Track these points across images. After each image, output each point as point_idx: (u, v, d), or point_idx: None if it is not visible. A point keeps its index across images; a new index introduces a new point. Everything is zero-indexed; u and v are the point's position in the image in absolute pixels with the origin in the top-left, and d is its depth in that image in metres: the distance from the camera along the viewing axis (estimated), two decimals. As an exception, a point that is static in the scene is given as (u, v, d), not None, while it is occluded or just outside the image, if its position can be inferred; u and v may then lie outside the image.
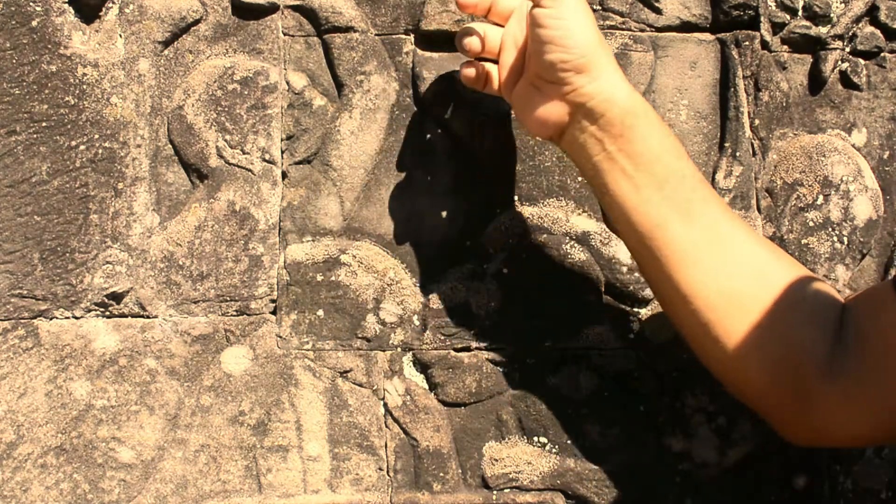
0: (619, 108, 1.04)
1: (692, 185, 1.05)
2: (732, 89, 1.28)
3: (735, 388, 1.10)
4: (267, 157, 1.25)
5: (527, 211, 1.26)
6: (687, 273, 1.04)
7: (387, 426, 1.25)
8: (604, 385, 1.26)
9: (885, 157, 1.30)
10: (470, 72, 1.13)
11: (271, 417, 1.24)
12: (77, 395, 1.22)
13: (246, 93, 1.25)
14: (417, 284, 1.26)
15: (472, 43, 1.11)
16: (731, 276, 1.03)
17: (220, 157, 1.25)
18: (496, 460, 1.26)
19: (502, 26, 1.13)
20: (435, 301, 1.25)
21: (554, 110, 1.06)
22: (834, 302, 1.05)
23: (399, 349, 1.25)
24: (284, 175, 1.26)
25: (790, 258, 1.12)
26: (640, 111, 1.05)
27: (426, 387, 1.26)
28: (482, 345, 1.26)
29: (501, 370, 1.26)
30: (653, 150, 1.04)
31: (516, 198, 1.27)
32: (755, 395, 1.07)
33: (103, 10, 1.23)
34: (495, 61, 1.14)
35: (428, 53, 1.28)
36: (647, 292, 1.25)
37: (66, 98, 1.22)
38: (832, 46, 1.29)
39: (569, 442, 1.26)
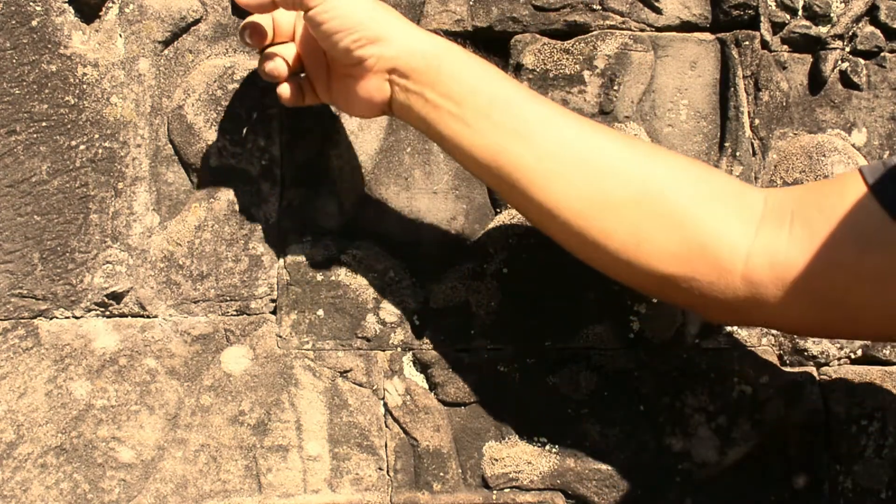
0: (422, 56, 1.06)
1: (520, 103, 1.06)
2: (732, 89, 1.28)
3: (637, 284, 1.10)
4: (267, 156, 1.25)
5: (527, 211, 1.26)
6: (543, 190, 1.04)
7: (387, 426, 1.25)
8: (604, 385, 1.26)
9: (885, 156, 1.30)
10: (285, 91, 1.13)
11: (271, 417, 1.24)
12: (77, 394, 1.22)
13: (246, 92, 1.25)
14: (417, 284, 1.26)
15: (257, 33, 1.11)
16: (591, 180, 1.03)
17: (220, 156, 1.25)
18: (496, 460, 1.26)
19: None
20: (435, 301, 1.25)
21: (372, 86, 1.08)
22: (751, 192, 1.06)
23: (399, 349, 1.25)
24: (284, 175, 1.26)
25: (672, 153, 1.13)
26: (443, 51, 1.07)
27: (426, 387, 1.26)
28: (482, 345, 1.26)
29: (501, 370, 1.26)
30: (468, 83, 1.06)
31: (516, 197, 1.27)
32: (660, 287, 1.07)
33: (103, 9, 1.23)
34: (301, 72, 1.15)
35: (428, 53, 1.28)
36: (647, 292, 1.25)
37: (66, 98, 1.22)
38: (832, 46, 1.29)
39: (569, 442, 1.26)
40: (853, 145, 1.30)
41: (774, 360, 1.27)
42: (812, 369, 1.27)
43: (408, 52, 1.06)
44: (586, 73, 1.27)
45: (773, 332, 1.27)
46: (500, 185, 1.09)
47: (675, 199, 1.02)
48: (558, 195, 1.04)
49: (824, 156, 1.28)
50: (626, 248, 1.03)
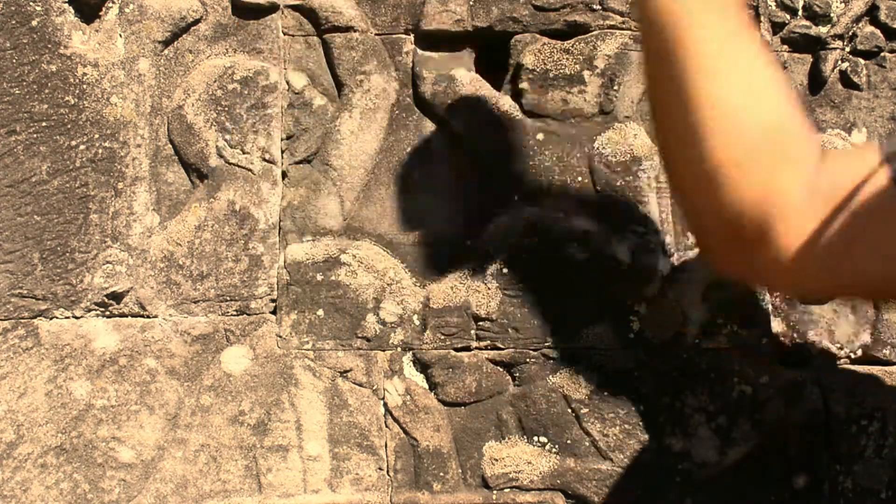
0: None
1: None
2: (732, 89, 1.28)
3: (699, 210, 1.05)
4: (267, 156, 1.25)
5: (527, 211, 1.26)
6: (709, 72, 1.00)
7: (387, 426, 1.25)
8: (604, 385, 1.26)
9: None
10: None
11: (271, 417, 1.24)
12: (77, 394, 1.22)
13: (246, 92, 1.25)
14: (417, 284, 1.26)
15: None
16: (745, 86, 1.01)
17: (220, 156, 1.25)
18: (496, 460, 1.25)
19: None
20: (435, 301, 1.25)
21: None
22: (816, 148, 1.05)
23: (399, 349, 1.25)
24: (284, 175, 1.26)
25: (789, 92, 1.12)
26: None
27: (426, 386, 1.26)
28: (482, 345, 1.26)
29: (501, 370, 1.26)
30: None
31: (516, 198, 1.27)
32: (718, 223, 1.02)
33: (103, 9, 1.23)
34: None
35: (428, 53, 1.28)
36: (647, 292, 1.25)
37: (66, 98, 1.22)
38: (832, 46, 1.29)
39: (569, 442, 1.26)
40: (853, 145, 1.30)
41: (774, 360, 1.27)
42: (812, 369, 1.27)
43: None
44: (586, 73, 1.27)
45: (773, 332, 1.27)
46: (673, 53, 1.02)
47: (791, 143, 1.01)
48: (721, 84, 0.99)
49: (824, 156, 1.28)
50: (732, 166, 0.97)
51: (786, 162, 1.01)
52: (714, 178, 1.01)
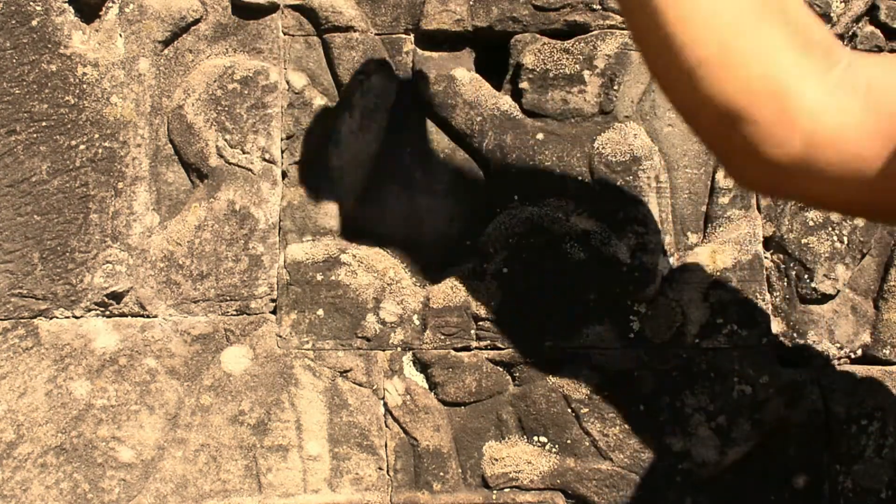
0: None
1: None
2: (732, 89, 1.28)
3: (698, 111, 1.02)
4: (267, 156, 1.25)
5: (527, 211, 1.26)
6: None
7: (387, 426, 1.25)
8: (604, 385, 1.26)
9: (886, 156, 1.30)
10: None
11: (271, 417, 1.24)
12: (77, 394, 1.22)
13: (246, 92, 1.25)
14: (417, 284, 1.26)
15: None
16: None
17: (220, 156, 1.25)
18: (496, 460, 1.25)
19: None
20: (435, 301, 1.25)
21: None
22: (828, 37, 1.01)
23: (399, 349, 1.25)
24: (284, 175, 1.26)
25: None
26: None
27: (426, 386, 1.26)
28: (482, 345, 1.26)
29: (501, 370, 1.26)
30: None
31: (516, 198, 1.27)
32: (719, 120, 0.99)
33: (103, 9, 1.23)
34: None
35: (428, 53, 1.28)
36: (647, 292, 1.25)
37: (66, 97, 1.22)
38: (832, 46, 1.29)
39: (569, 442, 1.26)
40: None
41: (774, 359, 1.27)
42: (812, 369, 1.27)
43: None
44: (586, 73, 1.27)
45: (773, 331, 1.27)
46: None
47: (779, 32, 0.97)
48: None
49: (824, 156, 1.28)
50: (706, 64, 0.96)
51: (779, 57, 0.95)
52: (691, 78, 0.97)
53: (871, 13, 1.29)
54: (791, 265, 1.28)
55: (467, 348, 1.26)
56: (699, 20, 0.97)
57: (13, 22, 1.21)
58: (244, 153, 1.25)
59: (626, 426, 1.26)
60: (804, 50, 0.97)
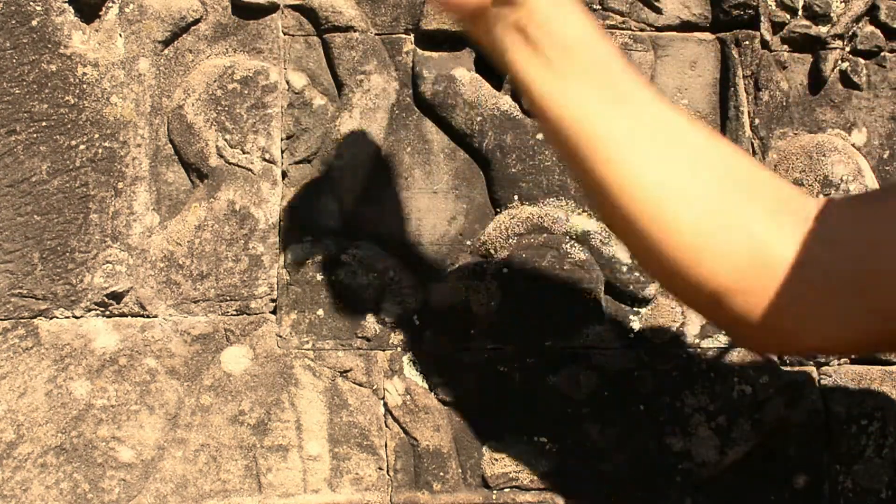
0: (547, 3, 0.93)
1: (619, 68, 0.95)
2: (732, 89, 1.28)
3: (686, 292, 0.99)
4: (267, 156, 1.25)
5: (527, 211, 1.26)
6: (626, 165, 0.93)
7: (387, 426, 1.25)
8: (604, 385, 1.26)
9: (885, 156, 1.30)
10: None
11: (271, 417, 1.24)
12: (77, 394, 1.22)
13: (246, 92, 1.25)
14: (417, 284, 1.26)
15: None
16: (670, 164, 0.93)
17: (220, 156, 1.25)
18: (496, 460, 1.26)
19: None
20: (435, 301, 1.25)
21: None
22: (803, 200, 1.00)
23: (399, 349, 1.25)
24: (284, 175, 1.26)
25: (736, 147, 1.05)
26: None
27: (426, 386, 1.26)
28: (482, 345, 1.26)
29: (501, 370, 1.26)
30: (577, 35, 0.93)
31: (516, 198, 1.27)
32: (709, 298, 0.96)
33: (103, 9, 1.23)
34: None
35: (428, 53, 1.28)
36: (648, 292, 1.25)
37: (66, 97, 1.22)
38: (832, 46, 1.29)
39: (569, 442, 1.26)
40: (853, 145, 1.30)
41: (774, 360, 1.27)
42: (812, 369, 1.27)
43: None
44: (586, 73, 1.27)
45: (773, 331, 1.27)
46: (578, 153, 0.96)
47: (747, 202, 0.94)
48: (638, 173, 0.93)
49: (824, 155, 1.28)
50: (688, 249, 0.92)
51: (755, 228, 0.92)
52: (673, 265, 0.94)
53: (871, 13, 1.29)
54: (791, 265, 1.28)
55: (467, 348, 1.26)
56: (668, 211, 0.93)
57: (13, 22, 1.21)
58: (244, 153, 1.25)
59: (626, 426, 1.26)
60: (777, 213, 0.94)
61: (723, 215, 0.93)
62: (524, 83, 0.95)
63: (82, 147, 1.22)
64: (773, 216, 0.93)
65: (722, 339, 1.26)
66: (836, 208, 0.95)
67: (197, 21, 1.26)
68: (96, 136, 1.23)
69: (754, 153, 1.29)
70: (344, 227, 1.27)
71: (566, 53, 0.93)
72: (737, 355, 1.26)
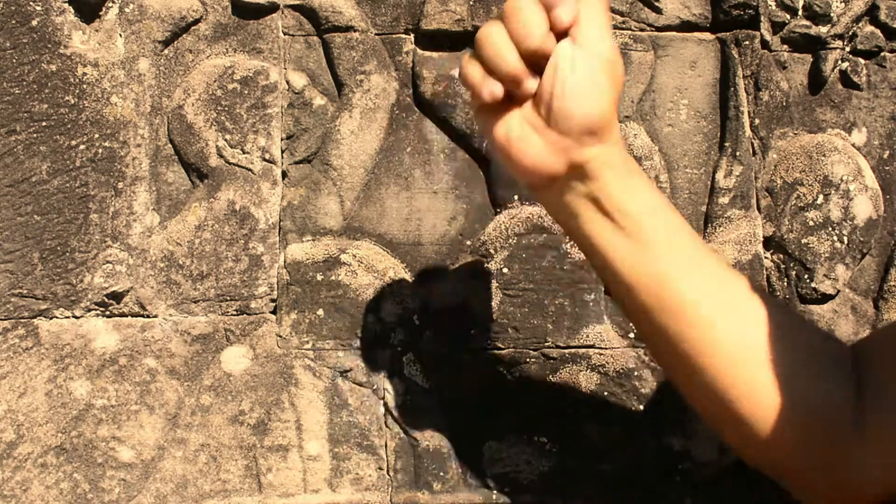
0: (617, 168, 0.94)
1: (689, 234, 0.97)
2: (732, 89, 1.28)
3: (757, 455, 1.00)
4: (267, 156, 1.25)
5: (527, 211, 1.26)
6: (706, 327, 0.94)
7: (387, 426, 1.25)
8: (604, 385, 1.26)
9: (886, 156, 1.30)
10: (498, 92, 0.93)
11: (271, 417, 1.24)
12: (77, 394, 1.22)
13: (246, 92, 1.25)
14: (417, 284, 1.26)
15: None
16: (745, 326, 0.94)
17: (220, 156, 1.25)
18: (496, 460, 1.26)
19: None
20: (435, 301, 1.25)
21: (551, 160, 0.93)
22: (845, 349, 1.01)
23: (399, 349, 1.25)
24: (284, 174, 1.26)
25: (787, 306, 1.07)
26: (634, 166, 0.97)
27: (426, 386, 1.26)
28: (482, 345, 1.26)
29: (501, 370, 1.26)
30: (649, 205, 0.95)
31: (516, 198, 1.27)
32: (780, 461, 0.97)
33: (103, 9, 1.23)
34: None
35: (428, 53, 1.28)
36: (647, 292, 1.25)
37: (66, 97, 1.22)
38: (832, 46, 1.29)
39: (569, 442, 1.26)
40: (853, 145, 1.30)
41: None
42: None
43: (609, 160, 0.93)
44: (586, 73, 1.27)
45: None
46: (659, 317, 0.96)
47: (806, 362, 0.94)
48: (721, 336, 0.94)
49: (824, 155, 1.28)
50: (765, 409, 0.93)
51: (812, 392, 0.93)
52: (744, 429, 0.94)
53: (871, 13, 1.29)
54: (791, 265, 1.28)
55: (467, 348, 1.26)
56: (746, 373, 0.93)
57: (13, 22, 1.21)
58: (244, 153, 1.25)
59: (626, 426, 1.26)
60: (827, 369, 0.94)
61: (789, 378, 0.94)
62: (598, 248, 0.96)
63: (82, 147, 1.22)
64: (827, 376, 0.95)
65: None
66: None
67: (197, 21, 1.26)
68: (96, 136, 1.23)
69: (754, 153, 1.29)
70: (344, 226, 1.27)
71: (640, 223, 0.95)
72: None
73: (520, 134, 0.94)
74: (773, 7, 1.28)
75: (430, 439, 1.25)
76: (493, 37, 0.91)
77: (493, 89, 0.91)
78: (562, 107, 0.92)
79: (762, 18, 1.28)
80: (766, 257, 1.28)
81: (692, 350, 0.95)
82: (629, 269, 0.95)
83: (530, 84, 0.92)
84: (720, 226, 1.28)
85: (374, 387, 1.25)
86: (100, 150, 1.23)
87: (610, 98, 0.95)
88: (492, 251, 1.26)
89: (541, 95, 0.93)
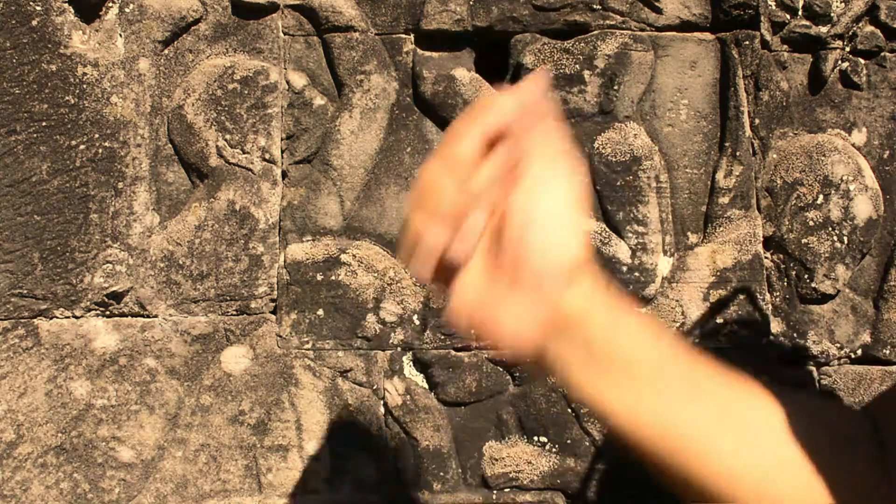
0: (601, 314, 0.97)
1: (685, 363, 0.99)
2: (732, 89, 1.28)
3: None
4: (267, 156, 1.25)
5: (527, 210, 1.26)
6: (714, 458, 0.92)
7: (387, 426, 1.25)
8: (604, 385, 1.26)
9: (885, 156, 1.30)
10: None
11: (271, 417, 1.24)
12: (77, 394, 1.22)
13: (246, 92, 1.25)
14: (417, 284, 1.26)
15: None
16: (754, 446, 0.95)
17: (221, 156, 1.25)
18: (496, 460, 1.25)
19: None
20: (435, 301, 1.25)
21: (531, 320, 0.96)
22: (861, 417, 1.01)
23: (399, 349, 1.25)
24: (284, 174, 1.26)
25: (796, 395, 1.07)
26: (616, 300, 1.00)
27: (426, 386, 1.26)
28: (482, 344, 1.26)
29: (501, 370, 1.26)
30: (638, 341, 0.98)
31: (516, 197, 1.27)
32: None
33: (103, 9, 1.23)
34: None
35: (428, 53, 1.28)
36: (648, 292, 1.25)
37: (66, 97, 1.22)
38: (832, 46, 1.29)
39: (569, 442, 1.26)
40: (853, 145, 1.30)
41: (774, 360, 1.27)
42: (812, 369, 1.27)
43: (588, 305, 0.94)
44: (586, 73, 1.27)
45: (773, 331, 1.27)
46: (666, 455, 0.92)
47: (839, 453, 0.95)
48: (731, 462, 0.91)
49: (824, 155, 1.28)
50: None
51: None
52: None
53: (871, 13, 1.29)
54: (791, 265, 1.28)
55: (467, 348, 1.26)
56: (762, 491, 0.93)
57: (13, 22, 1.21)
58: (244, 153, 1.25)
59: (626, 426, 1.26)
60: (867, 458, 0.93)
61: (825, 473, 0.94)
62: (592, 399, 0.94)
63: (82, 147, 1.22)
64: (857, 457, 0.91)
65: (721, 339, 1.26)
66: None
67: (197, 21, 1.26)
68: (96, 136, 1.23)
69: (754, 153, 1.29)
70: (344, 226, 1.27)
71: (634, 368, 0.94)
72: (737, 355, 1.26)
73: (486, 302, 0.92)
74: (773, 7, 1.28)
75: (430, 439, 1.25)
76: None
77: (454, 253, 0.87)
78: (529, 260, 0.89)
79: (762, 18, 1.28)
80: (766, 257, 1.28)
81: (708, 481, 0.95)
82: (629, 416, 0.94)
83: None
84: (720, 226, 1.28)
85: (374, 387, 1.25)
86: (100, 150, 1.23)
87: (576, 233, 0.93)
88: (492, 251, 1.26)
89: (502, 256, 0.91)
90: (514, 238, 0.89)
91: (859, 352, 1.28)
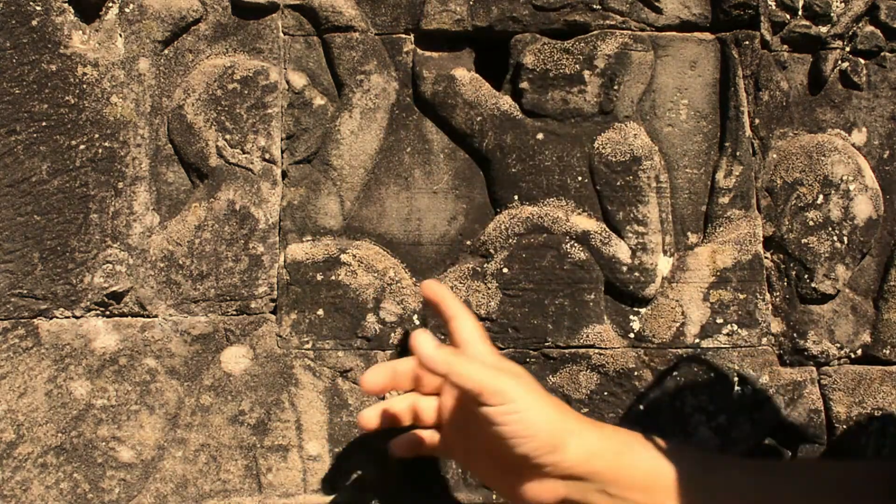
0: (601, 457, 1.01)
1: (701, 472, 1.02)
2: (732, 89, 1.28)
3: None
4: (267, 156, 1.25)
5: (527, 211, 1.26)
6: None
7: (387, 426, 1.25)
8: (604, 385, 1.26)
9: (885, 156, 1.30)
10: (400, 443, 1.14)
11: (271, 417, 1.24)
12: (77, 394, 1.22)
13: (246, 92, 1.25)
14: (417, 284, 1.26)
15: (368, 421, 1.12)
16: None
17: (221, 156, 1.25)
18: (496, 460, 1.25)
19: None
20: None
21: (545, 488, 1.02)
22: (883, 469, 1.03)
23: (399, 349, 1.25)
24: (284, 174, 1.26)
25: (812, 461, 1.12)
26: (623, 445, 1.03)
27: (426, 386, 1.26)
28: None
29: (501, 370, 1.26)
30: (652, 466, 1.02)
31: (516, 198, 1.27)
32: None
33: (103, 9, 1.23)
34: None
35: (428, 53, 1.28)
36: (648, 292, 1.25)
37: (66, 97, 1.22)
38: (832, 46, 1.29)
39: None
40: (853, 145, 1.30)
41: (774, 360, 1.27)
42: (812, 369, 1.27)
43: (586, 458, 1.00)
44: (586, 73, 1.27)
45: (773, 331, 1.27)
46: None
47: None
48: None
49: (824, 155, 1.28)
50: None
51: None
52: None
53: (871, 13, 1.29)
54: (791, 265, 1.28)
55: (467, 348, 1.26)
56: None
57: (13, 22, 1.21)
58: (244, 153, 1.25)
59: (626, 426, 1.26)
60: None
61: None
62: None
63: (82, 147, 1.22)
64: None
65: (722, 339, 1.26)
66: None
67: (197, 21, 1.26)
68: (96, 136, 1.23)
69: (754, 153, 1.29)
70: (344, 226, 1.27)
71: (652, 488, 1.01)
72: (737, 355, 1.26)
73: (498, 475, 1.06)
74: (773, 7, 1.28)
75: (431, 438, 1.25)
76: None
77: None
78: (507, 448, 1.00)
79: (762, 18, 1.28)
80: (766, 257, 1.28)
81: None
82: None
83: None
84: (720, 226, 1.28)
85: (374, 387, 1.25)
86: (100, 150, 1.23)
87: (545, 416, 1.01)
88: (492, 251, 1.26)
89: (489, 446, 1.03)
90: (495, 436, 0.99)
91: (859, 352, 1.28)
